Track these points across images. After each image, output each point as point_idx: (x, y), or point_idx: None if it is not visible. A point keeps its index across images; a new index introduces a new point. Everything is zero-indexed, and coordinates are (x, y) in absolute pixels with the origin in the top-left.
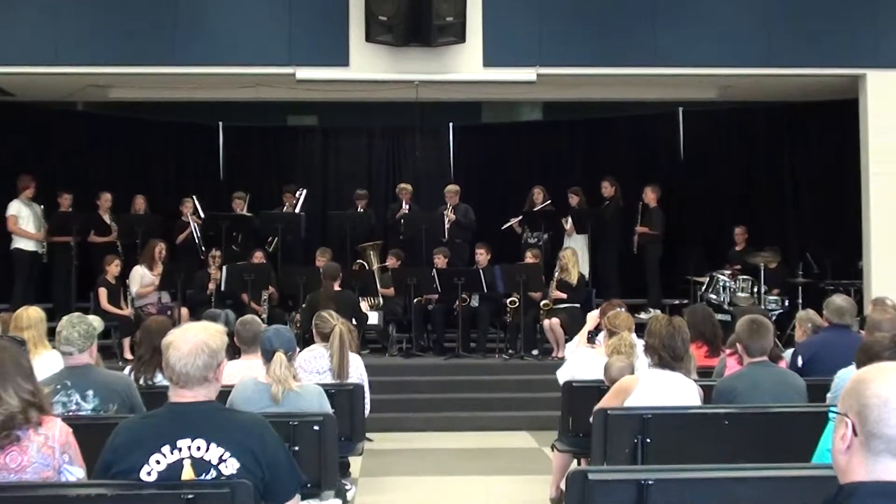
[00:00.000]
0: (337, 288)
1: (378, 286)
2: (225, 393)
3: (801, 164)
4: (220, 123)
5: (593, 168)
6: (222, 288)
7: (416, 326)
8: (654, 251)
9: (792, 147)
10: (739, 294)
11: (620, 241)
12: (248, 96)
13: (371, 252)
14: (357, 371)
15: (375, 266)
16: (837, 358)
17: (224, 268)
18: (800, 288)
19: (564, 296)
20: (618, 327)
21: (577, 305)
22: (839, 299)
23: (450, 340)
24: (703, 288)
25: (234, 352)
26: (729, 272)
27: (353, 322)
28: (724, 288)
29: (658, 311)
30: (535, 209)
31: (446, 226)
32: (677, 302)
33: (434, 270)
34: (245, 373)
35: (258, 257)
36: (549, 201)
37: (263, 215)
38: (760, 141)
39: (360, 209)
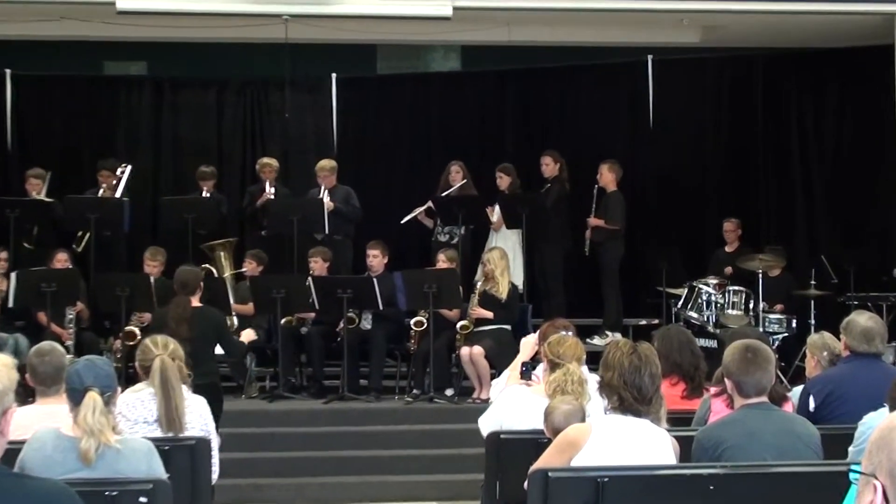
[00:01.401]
0: (196, 304)
1: (231, 301)
2: (14, 451)
3: (815, 134)
4: (8, 71)
5: (530, 137)
6: (10, 304)
7: (285, 357)
8: (613, 252)
9: (801, 112)
10: (729, 311)
11: (567, 239)
12: (49, 33)
13: (221, 253)
14: (200, 419)
15: (227, 273)
16: (862, 398)
17: (13, 275)
18: (812, 303)
19: (490, 314)
20: (563, 357)
21: (508, 327)
22: (865, 319)
23: (332, 377)
24: (680, 303)
25: (26, 394)
26: (715, 281)
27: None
28: (709, 303)
29: (618, 336)
30: (449, 193)
31: (326, 217)
32: (644, 322)
33: (310, 279)
34: (43, 422)
35: (62, 260)
36: (466, 181)
37: (70, 201)
38: (758, 104)
39: (205, 193)
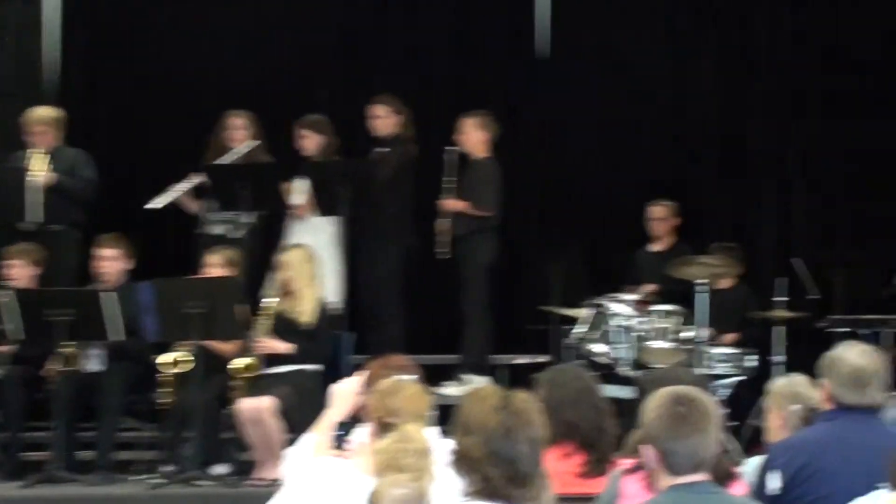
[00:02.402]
0: None
1: None
2: None
3: (794, 63)
4: None
5: (353, 74)
6: None
7: None
8: (479, 253)
9: (774, 28)
10: (654, 344)
11: (410, 233)
12: None
13: None
14: None
15: None
16: (851, 474)
17: None
18: (779, 331)
19: (288, 348)
20: (398, 414)
21: (316, 368)
22: (856, 355)
23: (36, 446)
24: (580, 331)
25: None
26: (634, 297)
27: None
28: (622, 330)
29: (483, 381)
30: (227, 161)
31: (32, 196)
32: (524, 361)
33: (5, 293)
34: None
35: None
36: (254, 141)
37: None
38: (712, 14)
39: None
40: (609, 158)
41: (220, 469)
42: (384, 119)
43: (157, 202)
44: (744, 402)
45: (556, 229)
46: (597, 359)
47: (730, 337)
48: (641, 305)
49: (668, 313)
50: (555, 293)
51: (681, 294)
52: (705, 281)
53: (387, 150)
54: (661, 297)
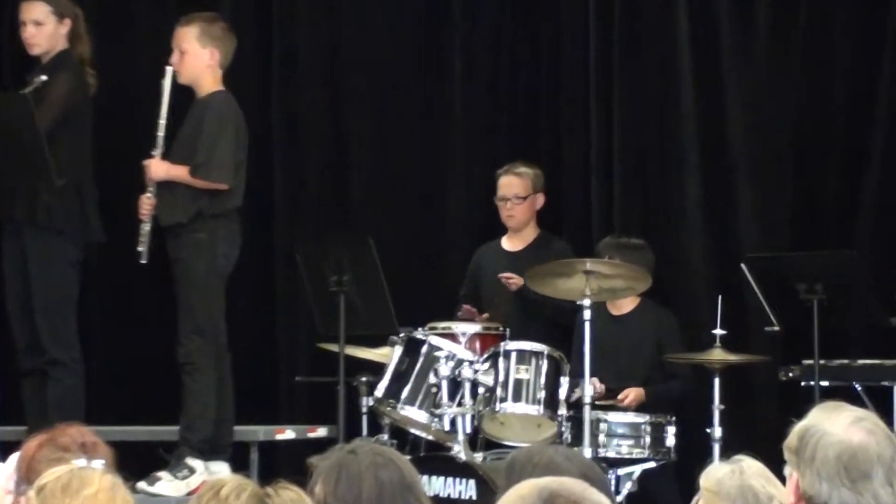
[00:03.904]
0: None
1: None
2: None
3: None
4: None
5: None
6: None
7: None
8: (206, 252)
9: None
10: (506, 407)
11: (90, 219)
12: None
13: None
14: None
15: None
16: None
17: None
18: (717, 382)
19: None
20: None
21: None
22: (846, 425)
23: None
24: (383, 385)
25: None
26: (474, 331)
27: None
28: (457, 385)
29: (221, 469)
30: None
31: None
32: (292, 436)
33: None
34: None
35: None
36: None
37: None
38: None
39: None
40: (431, 105)
41: None
42: (43, 27)
43: None
44: (659, 493)
45: (341, 215)
46: (414, 431)
47: (632, 395)
48: (483, 342)
49: (528, 356)
50: (341, 319)
51: (549, 321)
52: (590, 300)
53: (45, 78)
54: (518, 328)
